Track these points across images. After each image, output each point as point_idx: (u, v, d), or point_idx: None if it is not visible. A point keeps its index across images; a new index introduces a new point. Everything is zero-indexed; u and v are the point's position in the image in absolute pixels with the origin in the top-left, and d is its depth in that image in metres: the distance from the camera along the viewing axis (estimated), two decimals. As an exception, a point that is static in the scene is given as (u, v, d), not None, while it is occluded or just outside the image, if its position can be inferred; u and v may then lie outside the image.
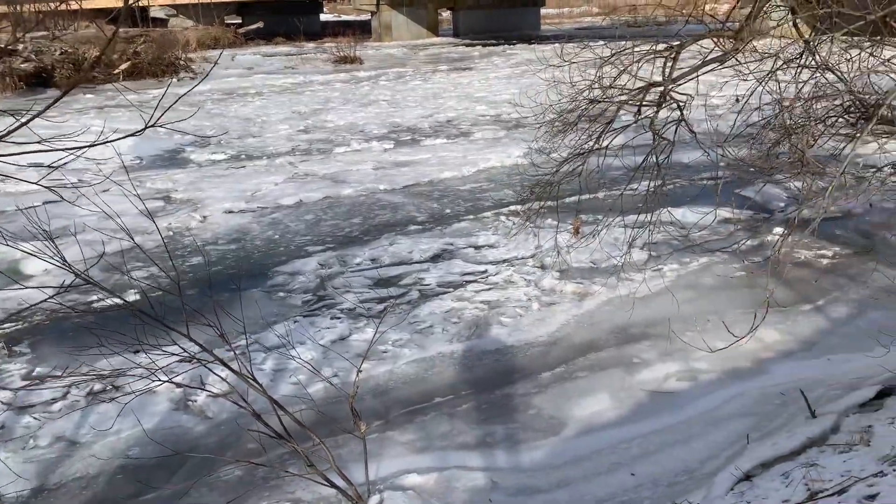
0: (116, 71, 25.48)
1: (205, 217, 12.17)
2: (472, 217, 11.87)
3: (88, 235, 5.40)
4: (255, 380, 5.51)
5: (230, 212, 12.53)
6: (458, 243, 10.68)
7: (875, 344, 6.77)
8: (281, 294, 9.26)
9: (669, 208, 8.35)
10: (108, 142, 2.90)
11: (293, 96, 24.09)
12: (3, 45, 23.55)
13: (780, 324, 7.76)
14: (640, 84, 7.74)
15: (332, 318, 8.57)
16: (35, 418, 6.72)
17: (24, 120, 2.55)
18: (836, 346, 7.14)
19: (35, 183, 3.32)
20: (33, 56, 25.14)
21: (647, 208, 8.35)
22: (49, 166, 2.70)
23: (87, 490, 5.91)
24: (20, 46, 24.71)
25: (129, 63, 26.05)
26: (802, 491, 4.47)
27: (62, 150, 2.55)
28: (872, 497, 3.94)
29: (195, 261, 10.29)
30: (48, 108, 2.78)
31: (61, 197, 3.70)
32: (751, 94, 8.03)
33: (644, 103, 7.50)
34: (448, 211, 12.27)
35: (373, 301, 8.98)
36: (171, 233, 11.53)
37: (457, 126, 18.46)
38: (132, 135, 2.87)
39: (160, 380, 5.53)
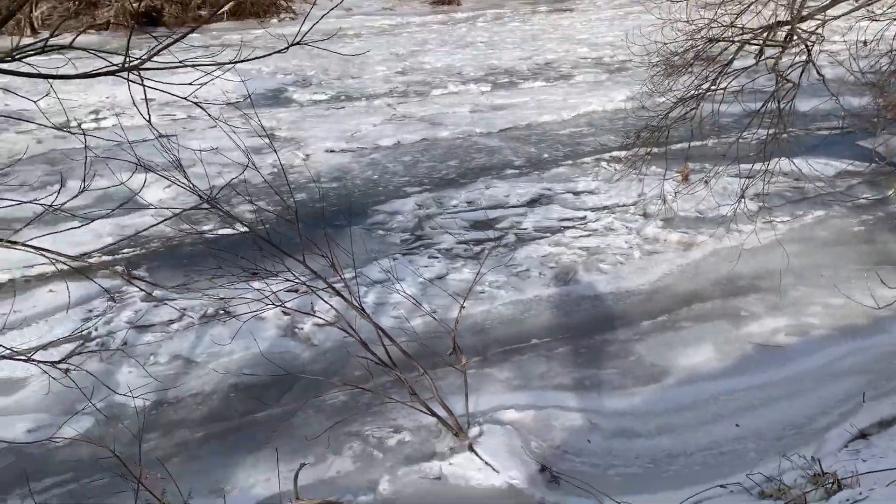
0: (221, 11, 26.03)
1: (307, 155, 12.41)
2: (570, 162, 11.64)
3: (198, 168, 5.61)
4: (363, 310, 5.67)
5: (331, 151, 12.73)
6: (556, 188, 10.51)
7: None
8: (380, 232, 9.41)
9: (785, 158, 7.91)
10: (250, 59, 2.96)
11: (391, 38, 24.04)
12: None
13: (901, 282, 7.32)
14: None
15: (429, 258, 8.66)
16: (154, 336, 7.15)
17: (166, 42, 2.62)
18: (963, 306, 6.67)
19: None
20: (144, -5, 25.97)
21: (762, 157, 7.94)
22: (192, 84, 2.76)
23: (203, 405, 6.29)
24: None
25: (232, 3, 26.57)
26: (927, 452, 4.26)
27: (212, 64, 2.61)
28: None
29: (299, 197, 10.56)
30: (180, 38, 2.84)
31: (208, 114, 3.79)
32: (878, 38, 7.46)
33: (768, 42, 7.06)
34: (546, 155, 12.07)
35: (469, 242, 9.01)
36: (275, 169, 11.84)
37: (556, 69, 17.99)
38: (278, 52, 2.92)
39: (274, 304, 5.79)
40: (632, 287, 7.80)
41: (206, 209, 5.07)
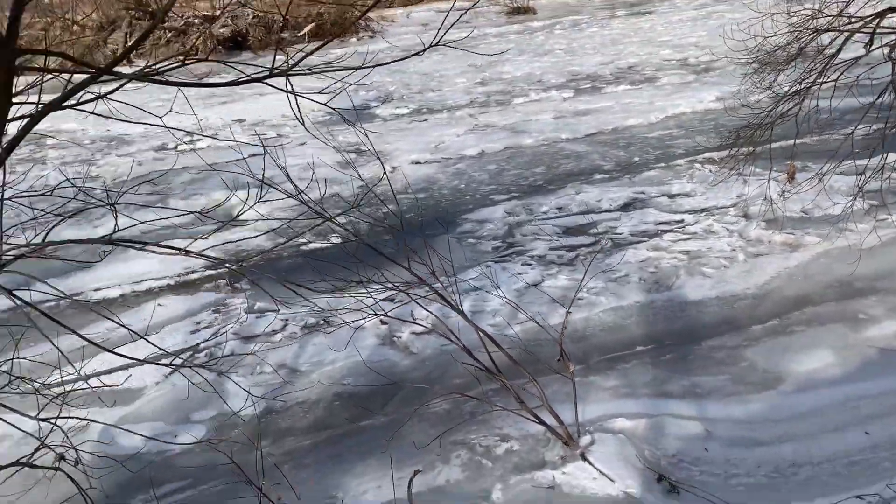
0: (302, 32, 26.81)
1: (394, 168, 12.56)
2: (662, 165, 11.36)
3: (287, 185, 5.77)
4: (465, 314, 5.65)
5: (417, 162, 12.84)
6: (650, 192, 10.27)
7: None
8: (471, 240, 9.39)
9: (897, 152, 7.48)
10: (387, 63, 2.99)
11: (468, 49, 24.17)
12: (205, 13, 25.43)
13: None
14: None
15: (523, 265, 8.58)
16: (259, 347, 7.33)
17: (309, 49, 2.66)
18: None
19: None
20: (230, 21, 27.04)
21: (874, 152, 7.52)
22: (323, 91, 2.80)
23: (310, 414, 6.39)
24: (218, 13, 26.63)
25: (312, 25, 27.32)
26: None
27: (338, 68, 2.64)
28: None
29: (388, 209, 10.68)
30: (323, 44, 2.87)
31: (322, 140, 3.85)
32: None
33: (880, 30, 6.70)
34: (636, 159, 11.82)
35: (563, 249, 8.88)
36: (363, 183, 12.02)
37: (640, 72, 17.64)
38: (415, 54, 2.95)
39: (374, 313, 5.84)
40: (737, 291, 7.51)
41: (317, 219, 5.15)
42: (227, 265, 5.76)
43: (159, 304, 8.15)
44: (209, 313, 7.86)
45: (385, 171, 5.58)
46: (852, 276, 7.30)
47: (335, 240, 9.46)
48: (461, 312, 5.36)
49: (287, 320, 7.59)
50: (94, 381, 5.99)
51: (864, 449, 5.08)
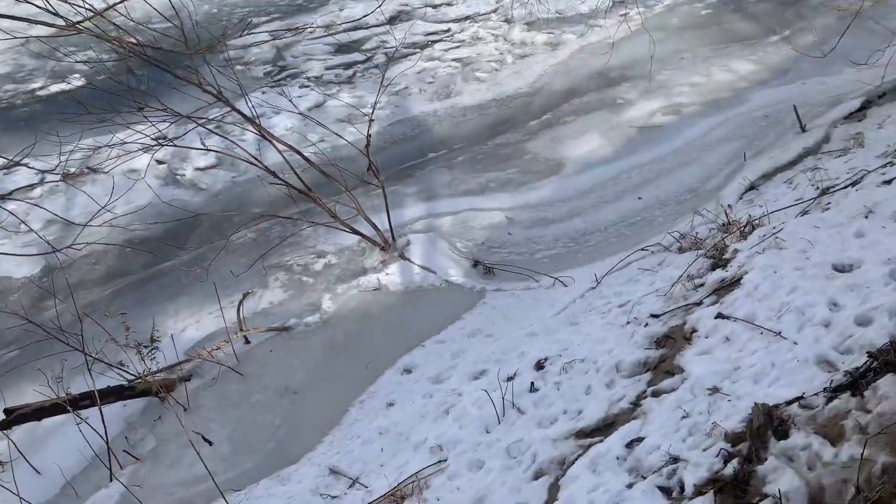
0: None
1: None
2: (420, -24, 11.15)
3: None
4: (268, 132, 5.35)
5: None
6: (413, 3, 10.11)
7: (845, 65, 7.05)
8: (239, 67, 8.69)
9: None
10: None
11: None
12: None
13: (750, 56, 7.91)
14: None
15: (301, 87, 8.21)
16: (15, 207, 6.39)
17: None
18: (807, 71, 7.36)
19: None
20: None
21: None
22: None
23: (100, 265, 5.84)
24: None
25: None
26: (812, 190, 4.81)
27: None
28: (889, 181, 4.28)
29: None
30: None
31: None
32: None
33: None
34: (393, -28, 11.45)
35: (339, 67, 8.61)
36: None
37: None
38: None
39: (156, 143, 5.32)
40: (511, 91, 7.88)
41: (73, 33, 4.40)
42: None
43: None
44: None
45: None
46: (607, 67, 7.94)
47: (77, 82, 8.27)
48: (265, 133, 5.06)
49: (43, 171, 6.64)
50: None
51: (639, 211, 5.82)
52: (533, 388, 3.75)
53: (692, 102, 7.23)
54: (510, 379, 3.89)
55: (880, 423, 2.14)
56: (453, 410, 3.80)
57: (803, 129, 6.03)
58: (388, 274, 5.23)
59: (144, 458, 4.20)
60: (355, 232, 5.42)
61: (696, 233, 4.88)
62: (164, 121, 5.38)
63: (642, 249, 5.05)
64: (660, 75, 7.80)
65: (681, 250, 4.81)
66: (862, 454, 2.02)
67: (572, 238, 5.65)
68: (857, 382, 2.50)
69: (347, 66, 8.58)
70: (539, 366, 3.99)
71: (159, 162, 6.91)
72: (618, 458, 2.87)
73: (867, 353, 2.61)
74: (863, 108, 6.11)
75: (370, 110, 5.91)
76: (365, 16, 9.56)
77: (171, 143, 5.40)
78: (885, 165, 4.60)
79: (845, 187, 4.53)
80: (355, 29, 9.46)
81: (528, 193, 6.25)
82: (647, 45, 7.96)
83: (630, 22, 8.75)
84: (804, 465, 2.24)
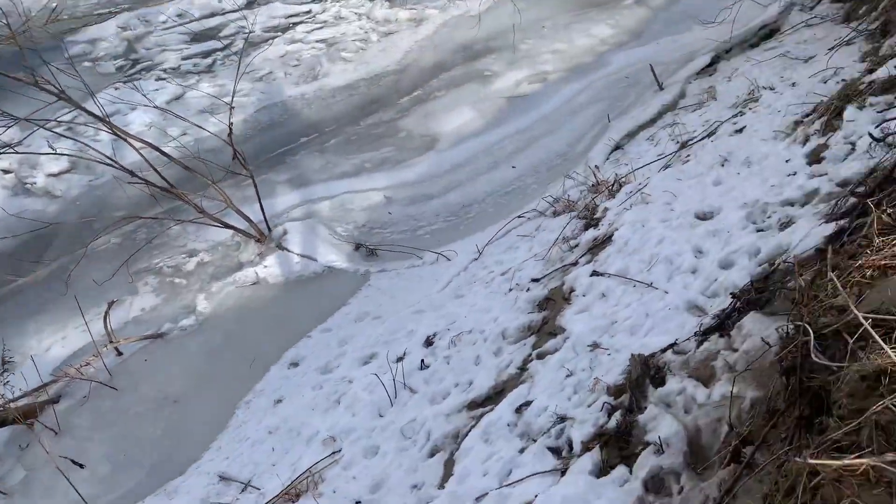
0: None
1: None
2: (275, -43, 10.76)
3: None
4: (126, 132, 5.00)
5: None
6: (271, -15, 9.75)
7: (694, 24, 7.39)
8: (87, 64, 8.12)
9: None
10: None
11: None
12: None
13: (608, 20, 8.13)
14: None
15: (157, 80, 7.75)
16: None
17: None
18: (660, 31, 7.64)
19: None
20: None
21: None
22: None
23: (-57, 290, 5.32)
24: None
25: None
26: (672, 145, 5.00)
27: None
28: (740, 130, 4.50)
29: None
30: None
31: None
32: None
33: None
34: (246, -46, 11.00)
35: (196, 56, 8.19)
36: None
37: None
38: None
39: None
40: (379, 69, 7.75)
41: None
42: None
43: None
44: None
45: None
46: (472, 40, 7.96)
47: None
48: (114, 127, 4.72)
49: None
50: None
51: (514, 179, 5.88)
52: (423, 366, 3.71)
53: (556, 69, 7.35)
54: (400, 359, 3.84)
55: (747, 359, 2.22)
56: (344, 399, 3.71)
57: (661, 87, 6.26)
58: (266, 266, 5.04)
59: (13, 491, 3.86)
60: (227, 226, 5.18)
61: (569, 196, 4.98)
62: None
63: (519, 217, 5.10)
64: (523, 45, 7.88)
65: (555, 214, 4.90)
66: (731, 392, 2.10)
67: (452, 212, 5.64)
68: (723, 324, 2.60)
69: (206, 54, 8.17)
70: (428, 342, 3.96)
71: (4, 171, 6.35)
72: (508, 425, 2.87)
73: (731, 294, 2.72)
74: (713, 62, 6.41)
75: (225, 102, 5.65)
76: (220, 1, 9.16)
77: (12, 151, 4.95)
78: (735, 115, 4.84)
79: (702, 139, 4.73)
80: (210, 16, 9.02)
81: (405, 171, 6.19)
82: (508, 15, 8.08)
83: (490, -7, 8.82)
84: (681, 409, 2.31)
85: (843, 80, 4.38)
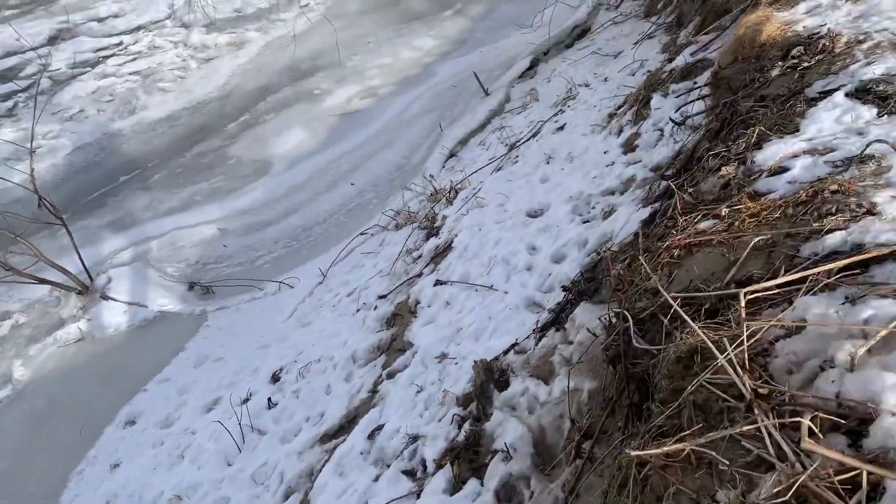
0: None
1: None
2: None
3: None
4: None
5: None
6: (75, 19, 9.07)
7: (512, 30, 7.62)
8: None
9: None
10: None
11: None
12: None
13: (430, 32, 8.22)
14: None
15: (-52, 129, 6.98)
16: None
17: None
18: (482, 39, 7.82)
19: None
20: None
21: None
22: None
23: None
24: None
25: None
26: (503, 148, 5.08)
27: None
28: (561, 127, 4.64)
29: None
30: None
31: None
32: None
33: None
34: (42, -14, 10.20)
35: (-6, 100, 7.46)
36: None
37: None
38: None
39: None
40: (202, 97, 7.41)
41: None
42: None
43: None
44: None
45: None
46: (297, 60, 7.79)
47: None
48: None
49: None
50: None
51: (355, 196, 5.76)
52: (271, 404, 3.50)
53: (385, 83, 7.33)
54: (246, 401, 3.61)
55: (581, 351, 2.23)
56: (188, 452, 3.43)
57: (487, 93, 6.38)
58: (90, 320, 4.61)
59: None
60: (42, 281, 4.70)
61: (409, 207, 4.93)
62: None
63: (362, 234, 4.99)
64: (350, 61, 7.81)
65: (398, 227, 4.83)
66: (568, 385, 2.08)
67: (292, 237, 5.43)
68: (558, 318, 2.62)
69: (5, 97, 7.46)
70: (275, 378, 3.75)
71: None
72: (362, 454, 2.75)
73: (562, 287, 2.74)
74: (532, 65, 6.62)
75: (34, 147, 5.14)
76: (17, 39, 8.43)
77: None
78: (556, 114, 4.99)
79: (528, 140, 4.84)
80: (5, 56, 8.25)
81: (238, 199, 5.91)
82: (331, 33, 7.99)
83: (310, 13, 8.72)
84: (525, 410, 2.27)
85: (647, 71, 4.62)
